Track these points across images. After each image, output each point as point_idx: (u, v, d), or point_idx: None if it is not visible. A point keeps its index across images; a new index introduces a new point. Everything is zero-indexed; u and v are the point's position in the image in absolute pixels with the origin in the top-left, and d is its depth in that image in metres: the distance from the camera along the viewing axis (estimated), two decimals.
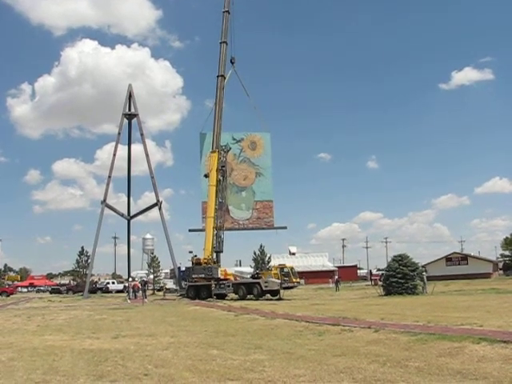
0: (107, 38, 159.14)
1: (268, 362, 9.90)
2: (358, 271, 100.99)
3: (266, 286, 37.31)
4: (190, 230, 58.25)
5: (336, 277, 58.60)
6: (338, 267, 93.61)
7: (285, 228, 64.45)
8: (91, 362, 10.55)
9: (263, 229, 62.87)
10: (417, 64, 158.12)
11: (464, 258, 73.29)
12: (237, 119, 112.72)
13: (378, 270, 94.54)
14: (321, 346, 11.74)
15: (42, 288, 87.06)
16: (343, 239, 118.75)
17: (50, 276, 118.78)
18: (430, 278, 39.88)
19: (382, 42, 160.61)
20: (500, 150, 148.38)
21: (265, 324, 17.60)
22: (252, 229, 62.62)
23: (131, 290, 44.46)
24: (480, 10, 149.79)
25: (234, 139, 59.94)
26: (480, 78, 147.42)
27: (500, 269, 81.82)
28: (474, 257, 77.42)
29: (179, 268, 53.95)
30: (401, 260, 36.53)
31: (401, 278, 35.28)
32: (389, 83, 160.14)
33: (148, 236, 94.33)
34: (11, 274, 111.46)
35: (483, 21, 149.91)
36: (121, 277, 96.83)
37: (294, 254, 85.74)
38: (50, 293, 71.24)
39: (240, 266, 73.79)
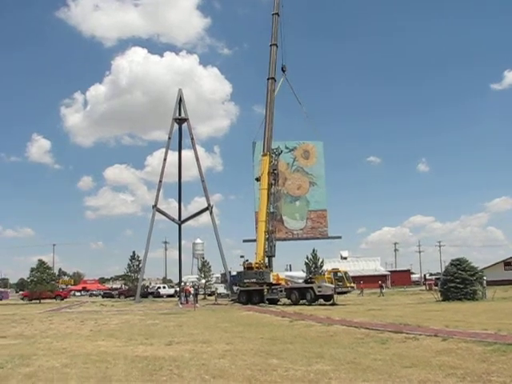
0: (156, 47, 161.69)
1: (333, 372, 9.20)
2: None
3: (319, 291, 36.55)
4: (244, 241, 57.38)
5: (380, 282, 57.36)
6: (391, 272, 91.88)
7: (339, 238, 63.57)
8: (145, 370, 10.04)
9: (317, 238, 62.12)
10: (467, 64, 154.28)
11: None
12: (289, 127, 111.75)
13: (431, 274, 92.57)
14: (387, 355, 10.94)
15: (94, 292, 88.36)
16: (395, 243, 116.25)
17: (102, 280, 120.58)
18: (488, 283, 38.26)
19: (432, 44, 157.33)
20: None
21: (322, 331, 16.88)
22: (306, 239, 61.91)
23: (183, 295, 44.30)
24: None
25: (286, 148, 59.25)
26: None
27: None
28: None
29: (230, 273, 53.65)
30: (459, 264, 35.25)
31: (459, 282, 34.05)
32: (440, 85, 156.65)
33: (198, 241, 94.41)
34: (65, 278, 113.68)
35: None
36: (171, 281, 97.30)
37: (345, 258, 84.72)
38: (102, 297, 72.20)
39: (290, 270, 72.88)
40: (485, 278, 37.11)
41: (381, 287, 54.78)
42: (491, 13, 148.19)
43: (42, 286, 55.26)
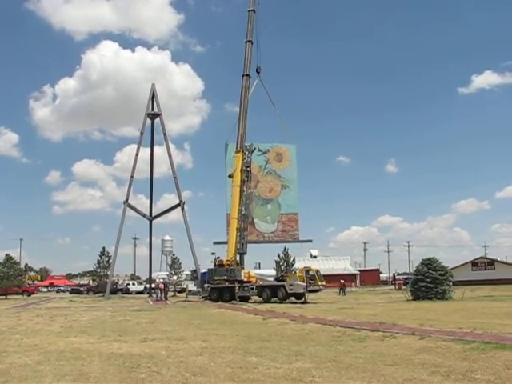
0: (128, 42, 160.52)
1: (315, 370, 9.05)
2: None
3: (290, 289, 36.42)
4: (214, 243, 56.52)
5: (342, 281, 57.33)
6: (360, 271, 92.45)
7: (310, 241, 63.69)
8: (122, 367, 9.78)
9: (288, 242, 62.06)
10: (436, 67, 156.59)
11: (491, 263, 71.28)
12: (262, 129, 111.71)
13: (398, 274, 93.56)
14: (367, 353, 10.84)
15: (61, 288, 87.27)
16: (365, 243, 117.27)
17: (69, 276, 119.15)
18: (455, 283, 38.67)
19: (403, 46, 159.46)
20: None
21: (297, 329, 16.75)
22: (277, 242, 61.82)
23: (158, 291, 43.87)
24: (501, 13, 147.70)
25: (259, 150, 59.01)
26: (500, 82, 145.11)
27: None
28: (501, 262, 75.45)
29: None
30: (430, 264, 35.48)
31: (430, 282, 34.28)
32: (408, 86, 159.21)
33: (167, 237, 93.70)
34: (31, 273, 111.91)
35: (504, 24, 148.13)
36: (139, 278, 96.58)
37: (315, 257, 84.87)
38: (70, 293, 71.22)
39: (259, 268, 72.94)
40: (450, 278, 37.43)
41: (344, 287, 54.73)
42: (461, 16, 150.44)
43: (8, 281, 54.38)
